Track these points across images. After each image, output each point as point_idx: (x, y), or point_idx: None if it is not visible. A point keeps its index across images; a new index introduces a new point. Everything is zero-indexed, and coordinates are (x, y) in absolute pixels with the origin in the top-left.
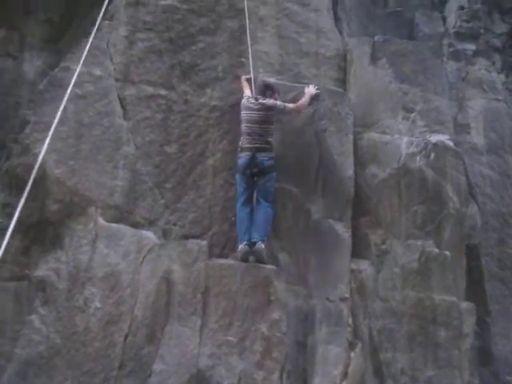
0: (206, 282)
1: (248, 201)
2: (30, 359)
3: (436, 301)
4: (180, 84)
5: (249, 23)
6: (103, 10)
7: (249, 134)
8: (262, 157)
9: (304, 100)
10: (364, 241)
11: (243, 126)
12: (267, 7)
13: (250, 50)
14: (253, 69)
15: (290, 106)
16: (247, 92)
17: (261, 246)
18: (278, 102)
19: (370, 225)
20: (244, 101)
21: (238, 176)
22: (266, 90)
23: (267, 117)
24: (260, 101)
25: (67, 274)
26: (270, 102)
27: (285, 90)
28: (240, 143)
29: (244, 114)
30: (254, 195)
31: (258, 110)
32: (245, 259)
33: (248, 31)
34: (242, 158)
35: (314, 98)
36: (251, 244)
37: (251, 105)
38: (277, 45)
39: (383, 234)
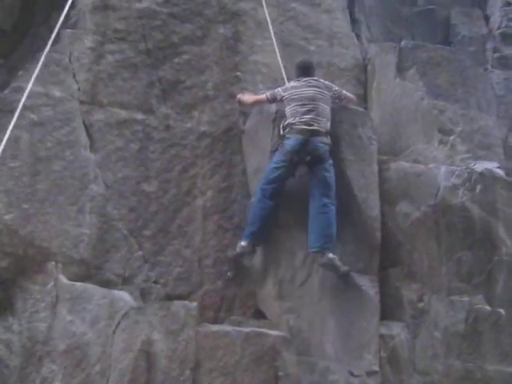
0: (196, 354)
1: (276, 195)
2: None
3: (489, 372)
4: (160, 106)
5: (245, 29)
6: (63, 14)
7: (302, 114)
8: (317, 142)
9: (352, 96)
10: (395, 298)
11: (292, 108)
12: (268, 8)
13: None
14: (250, 84)
15: (348, 93)
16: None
17: (329, 255)
18: (334, 85)
19: (403, 277)
20: (284, 87)
21: (277, 157)
22: (308, 72)
23: (325, 95)
24: (315, 79)
25: (20, 348)
26: (326, 81)
27: None
28: (284, 123)
29: (291, 93)
30: (309, 189)
31: (312, 86)
32: (239, 259)
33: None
34: (292, 139)
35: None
36: (254, 245)
37: (303, 82)
38: (280, 54)
39: (419, 289)
